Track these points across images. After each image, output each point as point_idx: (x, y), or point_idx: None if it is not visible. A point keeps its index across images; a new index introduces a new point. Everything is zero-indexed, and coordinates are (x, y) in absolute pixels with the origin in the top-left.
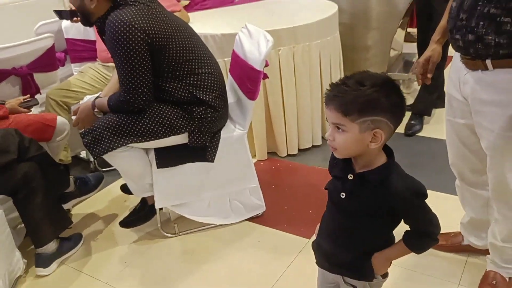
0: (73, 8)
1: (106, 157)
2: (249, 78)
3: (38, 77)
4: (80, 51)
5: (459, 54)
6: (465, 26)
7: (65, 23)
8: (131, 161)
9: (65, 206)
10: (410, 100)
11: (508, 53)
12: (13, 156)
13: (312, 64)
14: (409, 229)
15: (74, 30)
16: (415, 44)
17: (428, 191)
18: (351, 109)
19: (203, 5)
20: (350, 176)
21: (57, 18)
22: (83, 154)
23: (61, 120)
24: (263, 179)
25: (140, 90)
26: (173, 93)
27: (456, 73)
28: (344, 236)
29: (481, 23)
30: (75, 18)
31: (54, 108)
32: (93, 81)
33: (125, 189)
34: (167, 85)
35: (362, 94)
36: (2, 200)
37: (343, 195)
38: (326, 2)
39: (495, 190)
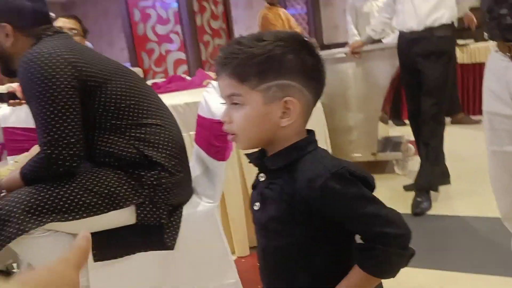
0: (11, 89)
1: (17, 246)
2: (217, 136)
3: None
4: (20, 141)
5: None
6: None
7: (3, 110)
8: (54, 251)
9: None
10: (407, 181)
11: None
12: None
13: None
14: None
15: (14, 117)
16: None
17: (461, 274)
18: (248, 72)
19: (167, 88)
20: (261, 177)
21: None
22: (16, 267)
23: None
24: (246, 278)
25: (66, 141)
26: (113, 150)
27: (502, 78)
28: (278, 273)
29: None
30: (11, 101)
31: None
32: None
33: None
34: (104, 138)
35: (261, 51)
36: None
37: (256, 206)
38: None
39: None
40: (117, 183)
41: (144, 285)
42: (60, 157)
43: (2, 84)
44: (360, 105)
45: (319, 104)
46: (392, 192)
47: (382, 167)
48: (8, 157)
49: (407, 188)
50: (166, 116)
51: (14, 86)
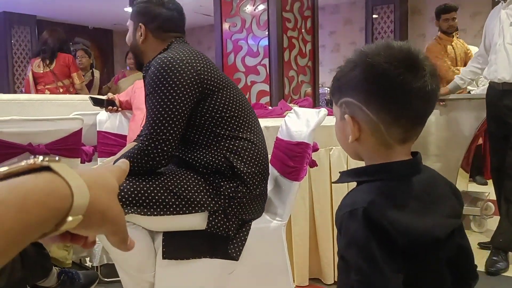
0: (111, 97)
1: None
2: (293, 156)
3: None
4: (111, 145)
5: None
6: None
7: (100, 116)
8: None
9: None
10: (483, 238)
11: None
12: None
13: None
14: None
15: (108, 123)
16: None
17: None
18: (333, 88)
19: None
20: None
21: (94, 112)
22: (88, 261)
23: None
24: None
25: (164, 137)
26: (205, 155)
27: None
28: None
29: None
30: (110, 107)
31: None
32: None
33: None
34: (199, 141)
35: (340, 69)
36: None
37: None
38: None
39: None
40: (196, 187)
41: None
42: (154, 150)
43: (103, 94)
44: (439, 154)
45: None
46: None
47: None
48: (99, 159)
49: (482, 246)
50: (258, 134)
51: (113, 95)
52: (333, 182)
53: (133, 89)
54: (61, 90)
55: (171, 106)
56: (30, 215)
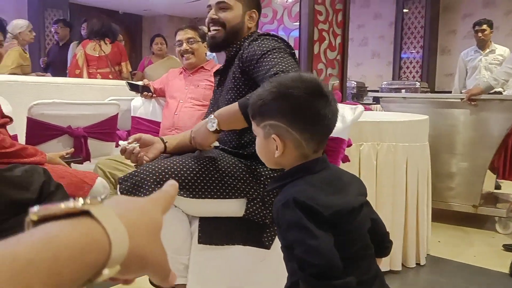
0: (146, 84)
1: None
2: (327, 151)
3: (92, 144)
4: (144, 131)
5: None
6: None
7: (135, 101)
8: (170, 225)
9: None
10: (508, 240)
11: None
12: (32, 196)
13: (397, 169)
14: None
15: (142, 109)
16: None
17: None
18: (253, 112)
19: None
20: None
21: (128, 97)
22: None
23: (101, 181)
24: None
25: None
26: (254, 141)
27: None
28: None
29: None
30: (145, 93)
31: None
32: None
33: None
34: None
35: (262, 96)
36: None
37: None
38: (416, 115)
39: None
40: (236, 174)
41: (234, 276)
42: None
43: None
44: (467, 153)
45: (425, 144)
46: (489, 249)
47: (482, 222)
48: (120, 142)
49: (507, 248)
50: None
51: (148, 82)
52: (265, 191)
53: (167, 77)
54: (110, 76)
55: (288, 57)
56: (61, 276)
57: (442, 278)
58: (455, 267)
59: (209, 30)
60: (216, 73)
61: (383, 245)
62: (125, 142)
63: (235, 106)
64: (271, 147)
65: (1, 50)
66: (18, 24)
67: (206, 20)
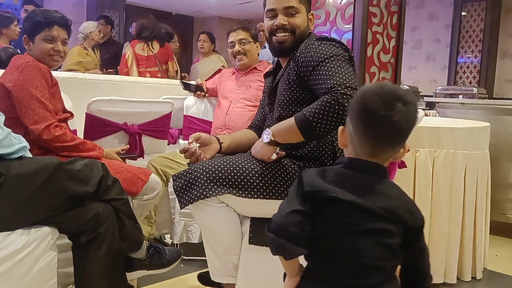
0: (199, 83)
1: (195, 208)
2: None
3: (146, 141)
4: (195, 129)
5: None
6: None
7: (188, 100)
8: (222, 223)
9: (128, 276)
10: None
11: None
12: (90, 190)
13: (455, 177)
14: None
15: (194, 108)
16: None
17: None
18: None
19: None
20: None
21: (181, 96)
22: (168, 238)
23: (155, 178)
24: None
25: (349, 84)
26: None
27: None
28: None
29: None
30: (198, 92)
31: None
32: None
33: (203, 278)
34: None
35: None
36: (63, 247)
37: None
38: (476, 122)
39: None
40: (290, 174)
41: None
42: (344, 95)
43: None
44: None
45: (485, 153)
46: None
47: None
48: (180, 140)
49: None
50: None
51: (202, 81)
52: None
53: (220, 77)
54: (159, 74)
55: (348, 66)
56: None
57: None
58: None
59: (272, 35)
60: (267, 75)
61: (417, 285)
62: (186, 142)
63: (291, 120)
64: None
65: (66, 48)
66: (89, 25)
67: (269, 25)
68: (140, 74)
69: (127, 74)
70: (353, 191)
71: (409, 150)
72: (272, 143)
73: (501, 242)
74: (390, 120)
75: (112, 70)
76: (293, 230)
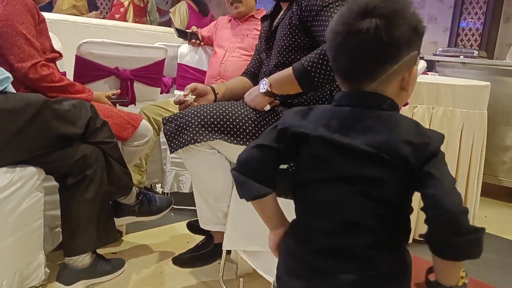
0: (194, 31)
1: (186, 153)
2: None
3: (138, 88)
4: (189, 79)
5: None
6: None
7: (182, 48)
8: (212, 170)
9: (117, 222)
10: None
11: None
12: (78, 131)
13: (451, 135)
14: None
15: (189, 57)
16: None
17: None
18: None
19: None
20: None
21: (175, 44)
22: (158, 187)
23: (145, 124)
24: None
25: None
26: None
27: None
28: None
29: None
30: (193, 41)
31: None
32: None
33: (192, 226)
34: None
35: None
36: (50, 190)
37: None
38: (476, 81)
39: None
40: None
41: None
42: None
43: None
44: None
45: (483, 112)
46: None
47: None
48: (176, 91)
49: None
50: None
51: (197, 29)
52: None
53: (216, 25)
54: None
55: None
56: None
57: (487, 253)
58: (500, 243)
59: None
60: (264, 18)
61: (429, 230)
62: (181, 93)
63: (289, 70)
64: None
65: None
66: None
67: None
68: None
69: None
70: (337, 127)
71: (407, 104)
72: (268, 93)
73: (490, 204)
74: (344, 40)
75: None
76: (253, 165)
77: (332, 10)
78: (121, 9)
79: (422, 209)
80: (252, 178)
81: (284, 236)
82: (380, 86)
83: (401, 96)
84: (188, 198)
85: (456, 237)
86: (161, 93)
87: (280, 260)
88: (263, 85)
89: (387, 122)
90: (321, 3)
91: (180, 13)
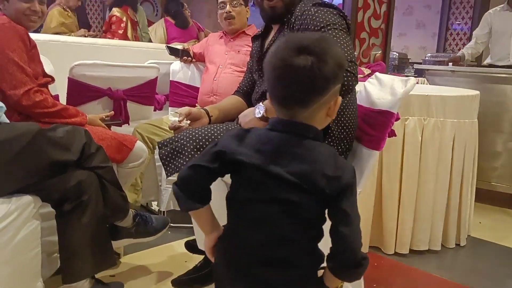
0: (186, 48)
1: None
2: (374, 124)
3: (131, 107)
4: (182, 95)
5: None
6: None
7: (174, 65)
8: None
9: (114, 245)
10: None
11: None
12: (72, 157)
13: (443, 146)
14: None
15: (181, 74)
16: None
17: None
18: None
19: None
20: None
21: (167, 61)
22: (155, 205)
23: (140, 145)
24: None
25: (353, 60)
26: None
27: None
28: None
29: None
30: (184, 58)
31: None
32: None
33: (190, 246)
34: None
35: None
36: (47, 216)
37: None
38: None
39: None
40: None
41: None
42: (354, 72)
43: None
44: None
45: (474, 121)
46: None
47: None
48: (169, 108)
49: None
50: (353, 96)
51: (188, 46)
52: None
53: (207, 42)
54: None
55: (347, 38)
56: None
57: (482, 261)
58: (496, 251)
59: (262, 1)
60: (254, 38)
61: (333, 257)
62: (176, 119)
63: None
64: None
65: (43, 8)
66: None
67: None
68: (136, 39)
69: (115, 37)
70: (268, 155)
71: (399, 119)
72: (263, 118)
73: (485, 209)
74: (277, 71)
75: (92, 34)
76: (189, 184)
77: (338, 33)
78: (122, 25)
79: (332, 241)
80: (186, 195)
81: (219, 241)
82: (312, 113)
83: (326, 121)
84: (184, 216)
85: (355, 268)
86: (155, 110)
87: (216, 264)
88: (259, 110)
89: (311, 152)
90: (312, 28)
91: (156, 31)
